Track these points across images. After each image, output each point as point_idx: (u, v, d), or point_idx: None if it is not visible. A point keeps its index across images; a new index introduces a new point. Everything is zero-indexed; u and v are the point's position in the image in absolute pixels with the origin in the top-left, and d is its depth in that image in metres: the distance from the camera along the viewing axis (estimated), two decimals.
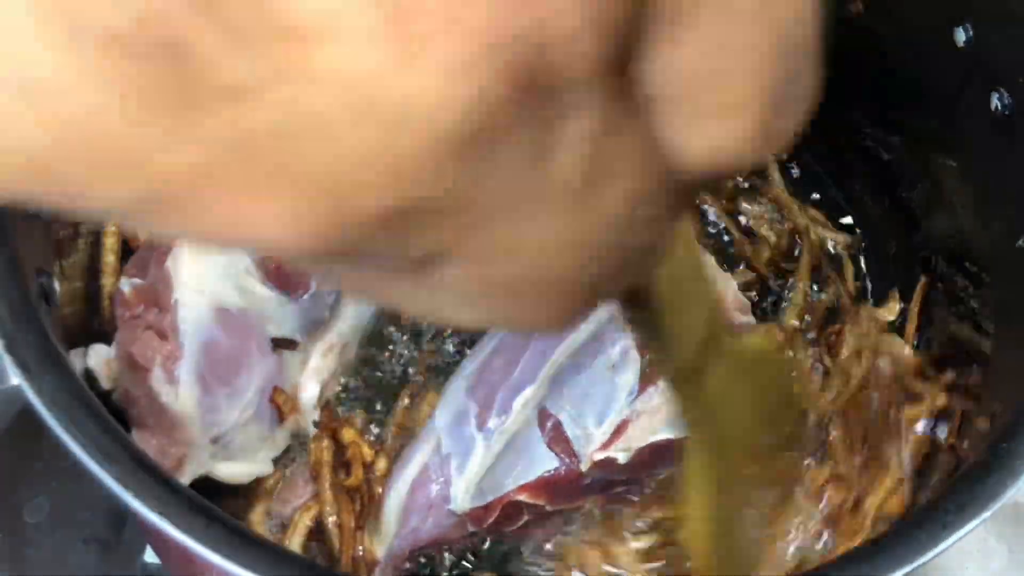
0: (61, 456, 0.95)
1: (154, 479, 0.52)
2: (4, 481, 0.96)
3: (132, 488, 0.51)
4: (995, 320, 0.72)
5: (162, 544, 0.83)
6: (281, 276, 0.78)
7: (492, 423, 0.75)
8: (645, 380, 0.75)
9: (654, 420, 0.74)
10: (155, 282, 0.77)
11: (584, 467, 0.74)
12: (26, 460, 0.97)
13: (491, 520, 0.75)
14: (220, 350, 0.76)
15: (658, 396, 0.73)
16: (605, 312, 0.74)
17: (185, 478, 0.76)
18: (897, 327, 0.86)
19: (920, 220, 0.88)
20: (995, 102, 0.69)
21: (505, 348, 0.78)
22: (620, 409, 0.74)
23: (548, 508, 0.75)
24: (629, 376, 0.75)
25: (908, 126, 0.87)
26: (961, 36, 0.71)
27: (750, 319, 0.82)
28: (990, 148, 0.73)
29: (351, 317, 0.87)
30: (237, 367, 0.77)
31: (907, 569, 0.48)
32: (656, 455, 0.74)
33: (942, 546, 0.49)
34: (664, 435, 0.74)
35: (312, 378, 0.84)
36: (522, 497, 0.74)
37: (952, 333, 0.82)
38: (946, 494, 0.51)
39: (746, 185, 0.94)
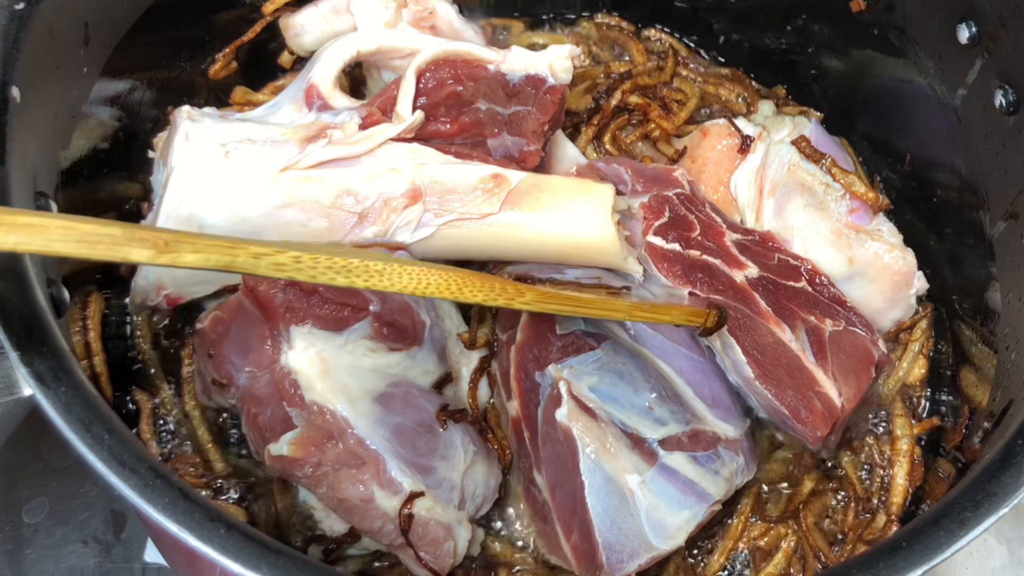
0: (61, 457, 0.95)
1: (171, 489, 0.51)
2: (4, 481, 0.96)
3: (150, 498, 0.51)
4: (1003, 319, 0.72)
5: (166, 542, 0.83)
6: (394, 333, 0.74)
7: None
8: None
9: None
10: (310, 424, 0.70)
11: None
12: (26, 461, 0.96)
13: None
14: (409, 430, 0.72)
15: None
16: None
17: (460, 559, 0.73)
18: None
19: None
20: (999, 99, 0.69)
21: None
22: None
23: None
24: None
25: None
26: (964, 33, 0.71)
27: None
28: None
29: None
30: (432, 432, 0.73)
31: (928, 567, 0.48)
32: None
33: (960, 543, 0.49)
34: None
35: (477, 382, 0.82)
36: None
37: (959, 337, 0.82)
38: (962, 492, 0.52)
39: None
